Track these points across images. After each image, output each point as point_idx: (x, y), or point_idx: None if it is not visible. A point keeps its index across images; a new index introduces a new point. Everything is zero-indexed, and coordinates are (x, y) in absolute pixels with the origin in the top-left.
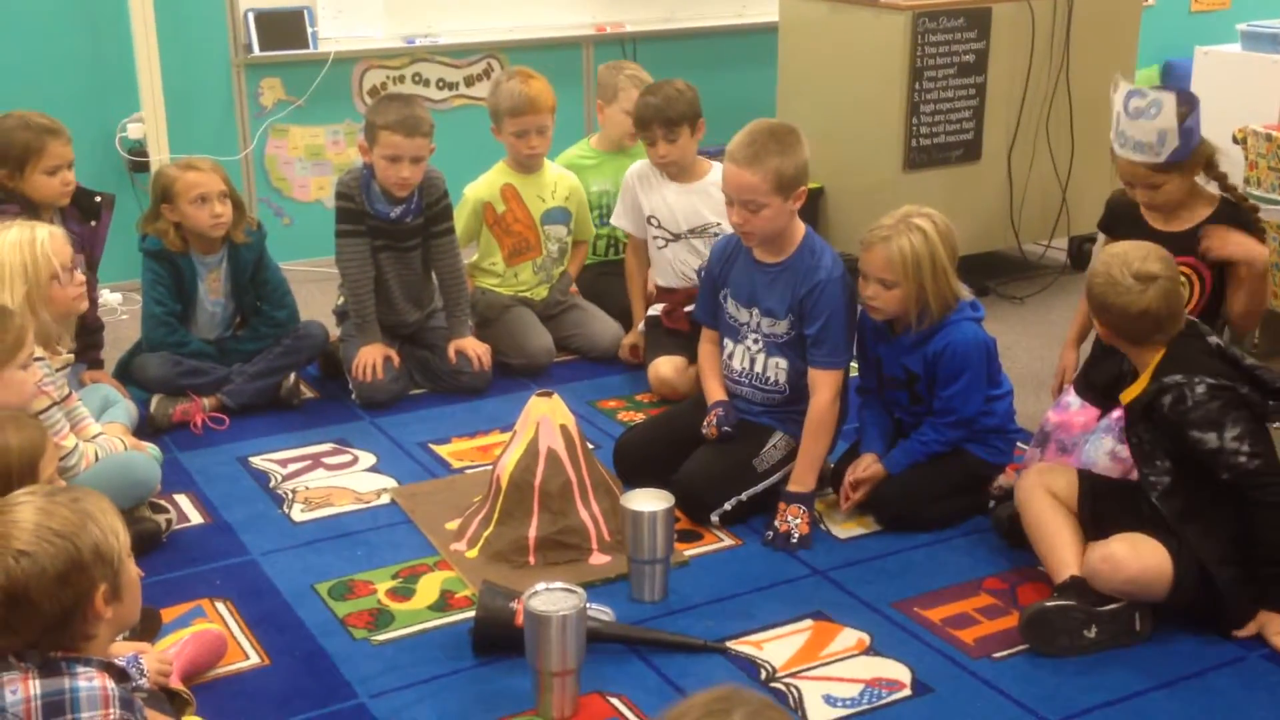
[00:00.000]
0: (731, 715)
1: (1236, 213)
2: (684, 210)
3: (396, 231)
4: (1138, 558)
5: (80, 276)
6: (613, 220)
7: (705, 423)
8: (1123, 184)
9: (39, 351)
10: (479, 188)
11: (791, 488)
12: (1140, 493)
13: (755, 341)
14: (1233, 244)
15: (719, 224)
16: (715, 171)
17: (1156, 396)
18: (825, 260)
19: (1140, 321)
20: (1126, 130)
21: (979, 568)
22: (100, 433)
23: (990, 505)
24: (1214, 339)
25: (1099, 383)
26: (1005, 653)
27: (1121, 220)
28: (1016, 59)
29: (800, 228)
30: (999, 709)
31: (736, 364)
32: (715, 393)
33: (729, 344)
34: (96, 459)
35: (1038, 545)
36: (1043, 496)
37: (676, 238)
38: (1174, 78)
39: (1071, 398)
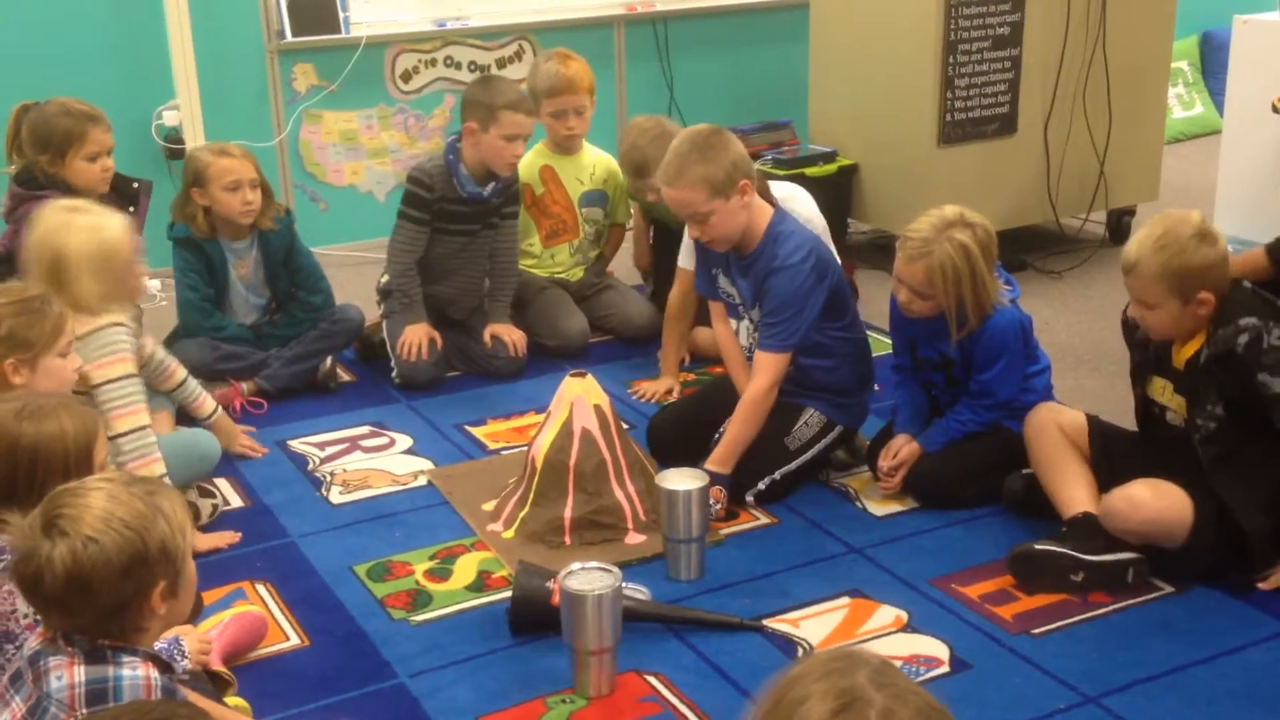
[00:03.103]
0: (856, 674)
1: None
2: None
3: (478, 213)
4: (1158, 499)
5: (141, 266)
6: (680, 261)
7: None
8: None
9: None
10: (518, 169)
11: (708, 466)
12: (1161, 449)
13: (747, 322)
14: None
15: None
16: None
17: (1234, 336)
18: (785, 248)
19: (1221, 268)
20: None
21: (1017, 544)
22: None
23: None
24: (1247, 282)
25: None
26: (1044, 629)
27: None
28: (1052, 30)
29: (764, 220)
30: (1037, 685)
31: (744, 339)
32: (745, 387)
33: (733, 321)
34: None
35: (1047, 480)
36: (1055, 433)
37: None
38: (1213, 47)
39: None
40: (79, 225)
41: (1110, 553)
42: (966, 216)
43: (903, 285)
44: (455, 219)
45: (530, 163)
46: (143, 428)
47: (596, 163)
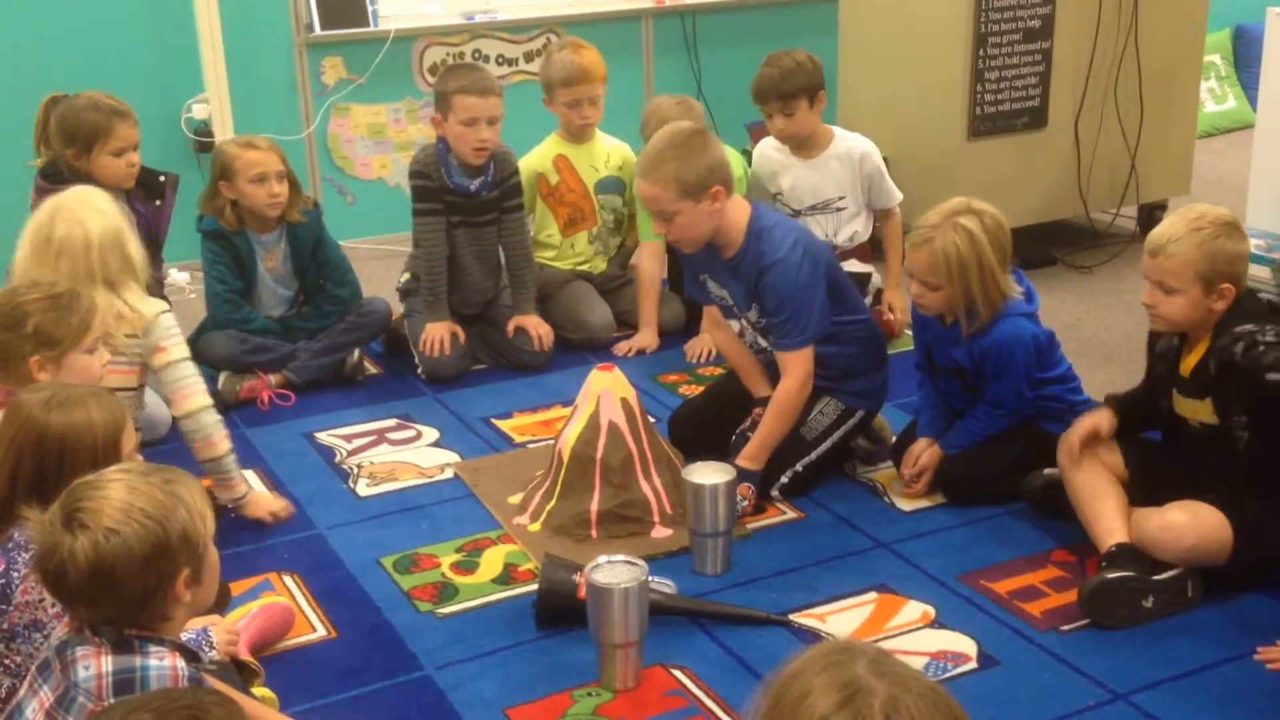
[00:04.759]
0: (855, 664)
1: None
2: (808, 187)
3: (472, 205)
4: (1197, 525)
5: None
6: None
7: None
8: None
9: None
10: (532, 160)
11: (740, 462)
12: (1188, 456)
13: (744, 322)
14: None
15: (841, 198)
16: (838, 142)
17: (1229, 346)
18: (772, 244)
19: (1245, 264)
20: None
21: (1046, 540)
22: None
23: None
24: (1263, 295)
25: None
26: (1072, 626)
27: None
28: (1083, 23)
29: (742, 219)
30: (1066, 682)
31: (747, 338)
32: (757, 388)
33: (732, 322)
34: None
35: (1082, 510)
36: (1092, 461)
37: (797, 214)
38: (1246, 41)
39: None
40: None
41: (1162, 572)
42: (974, 205)
43: (914, 279)
44: (454, 210)
45: (544, 153)
46: (207, 407)
47: (611, 150)
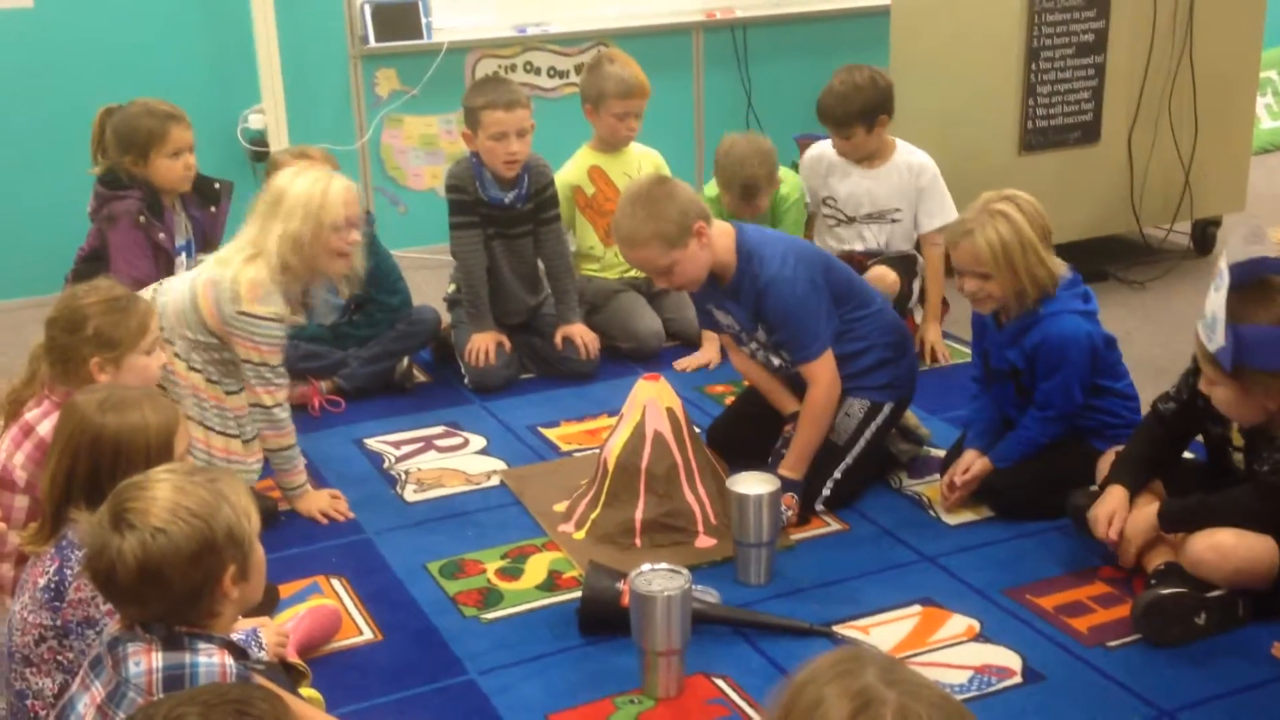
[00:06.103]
0: (865, 673)
1: None
2: (865, 195)
3: (507, 218)
4: (1246, 548)
5: (355, 236)
6: None
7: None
8: None
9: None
10: (566, 174)
11: (781, 472)
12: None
13: (755, 344)
14: None
15: (897, 210)
16: (901, 151)
17: None
18: (764, 259)
19: None
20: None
21: (1093, 556)
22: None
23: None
24: None
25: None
26: (1119, 642)
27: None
28: (1137, 38)
29: (730, 243)
30: (1112, 698)
31: (760, 358)
32: (785, 405)
33: (743, 348)
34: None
35: (1124, 533)
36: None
37: (851, 220)
38: None
39: None
40: (308, 173)
41: (1213, 589)
42: (1006, 192)
43: (963, 274)
44: (490, 223)
45: (578, 165)
46: (279, 405)
47: (643, 157)
